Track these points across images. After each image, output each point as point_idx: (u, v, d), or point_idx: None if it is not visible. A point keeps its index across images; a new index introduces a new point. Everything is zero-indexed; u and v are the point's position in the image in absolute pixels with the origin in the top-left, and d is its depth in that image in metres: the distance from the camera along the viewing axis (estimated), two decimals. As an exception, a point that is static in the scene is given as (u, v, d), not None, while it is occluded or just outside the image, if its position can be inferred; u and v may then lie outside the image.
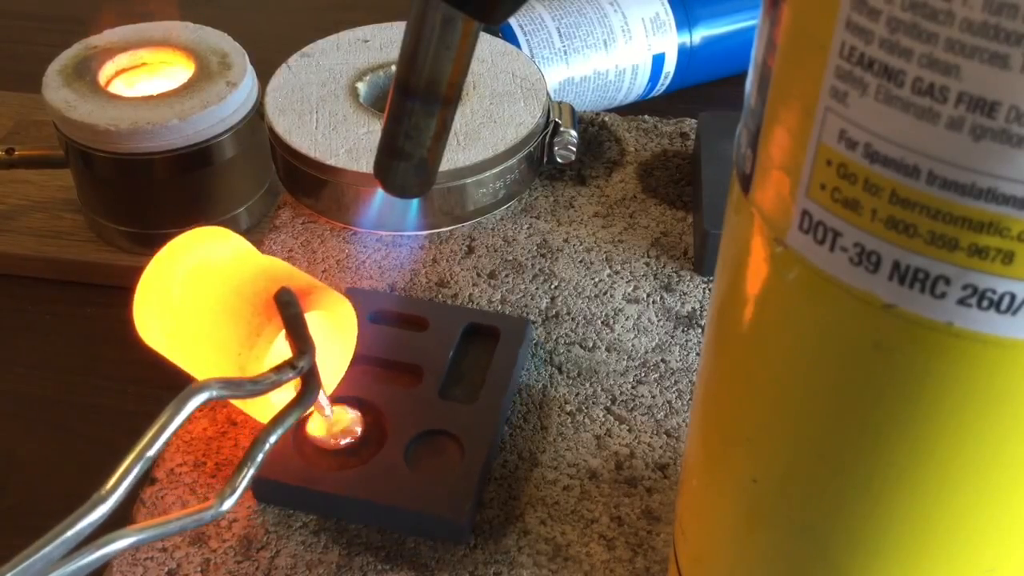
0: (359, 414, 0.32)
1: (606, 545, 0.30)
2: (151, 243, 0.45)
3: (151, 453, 0.25)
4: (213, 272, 0.31)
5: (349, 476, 0.30)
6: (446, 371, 0.33)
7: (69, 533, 0.23)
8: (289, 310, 0.29)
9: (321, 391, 0.29)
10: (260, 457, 0.27)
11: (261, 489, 0.31)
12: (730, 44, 0.55)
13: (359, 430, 0.31)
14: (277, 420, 0.28)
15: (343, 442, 0.31)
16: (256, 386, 0.27)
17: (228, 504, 0.26)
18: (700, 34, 0.54)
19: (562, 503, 0.31)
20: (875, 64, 0.14)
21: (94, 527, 0.24)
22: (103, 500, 0.24)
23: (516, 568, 0.29)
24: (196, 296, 0.31)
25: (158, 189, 0.44)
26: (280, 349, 0.29)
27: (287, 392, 0.29)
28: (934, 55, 0.13)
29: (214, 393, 0.26)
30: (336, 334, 0.32)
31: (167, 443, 0.25)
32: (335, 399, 0.32)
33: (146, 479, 0.32)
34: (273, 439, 0.27)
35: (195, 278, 0.31)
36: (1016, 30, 0.12)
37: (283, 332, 0.29)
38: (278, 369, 0.28)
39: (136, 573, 0.29)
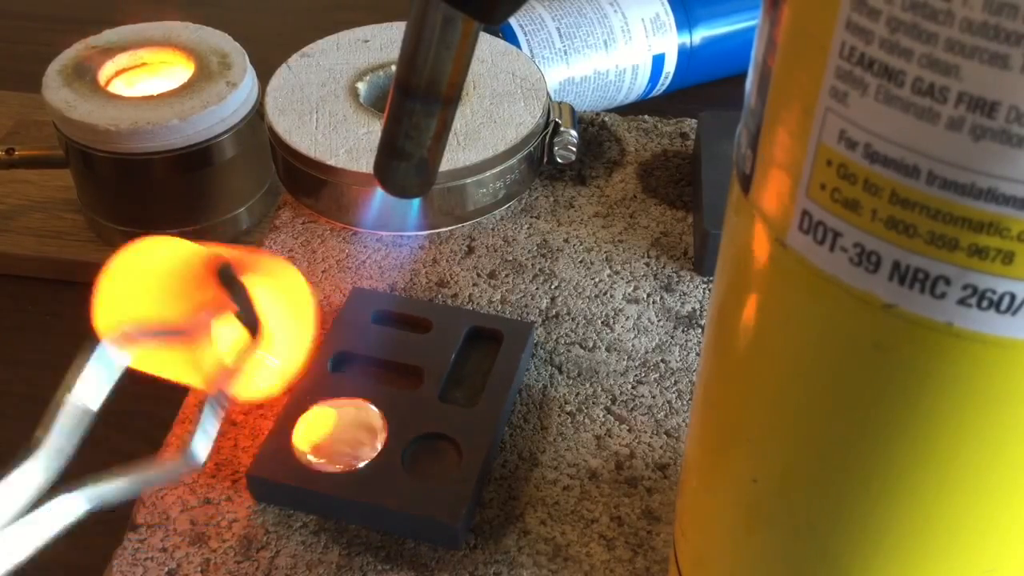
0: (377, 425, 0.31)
1: (606, 545, 0.30)
2: (151, 243, 0.45)
3: (74, 399, 0.24)
4: (156, 274, 0.31)
5: (346, 477, 0.30)
6: (447, 374, 0.33)
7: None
8: (225, 275, 0.29)
9: (267, 355, 0.29)
10: (219, 414, 0.27)
11: (260, 489, 0.31)
12: (730, 44, 0.55)
13: (379, 446, 0.31)
14: (226, 373, 0.27)
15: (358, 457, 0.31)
16: (180, 331, 0.27)
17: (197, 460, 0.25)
18: (700, 34, 0.54)
19: (562, 503, 0.31)
20: (875, 64, 0.14)
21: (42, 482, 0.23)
22: (35, 447, 0.23)
23: (516, 568, 0.29)
24: (144, 299, 0.31)
25: (158, 189, 0.44)
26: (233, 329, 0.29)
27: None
28: (934, 55, 0.13)
29: (135, 333, 0.26)
30: (289, 303, 0.32)
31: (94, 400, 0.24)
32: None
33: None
34: (227, 393, 0.27)
35: (141, 289, 0.31)
36: (1016, 30, 0.12)
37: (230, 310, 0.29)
38: (207, 311, 0.28)
39: (136, 573, 0.29)
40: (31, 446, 0.23)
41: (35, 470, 0.23)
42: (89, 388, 0.24)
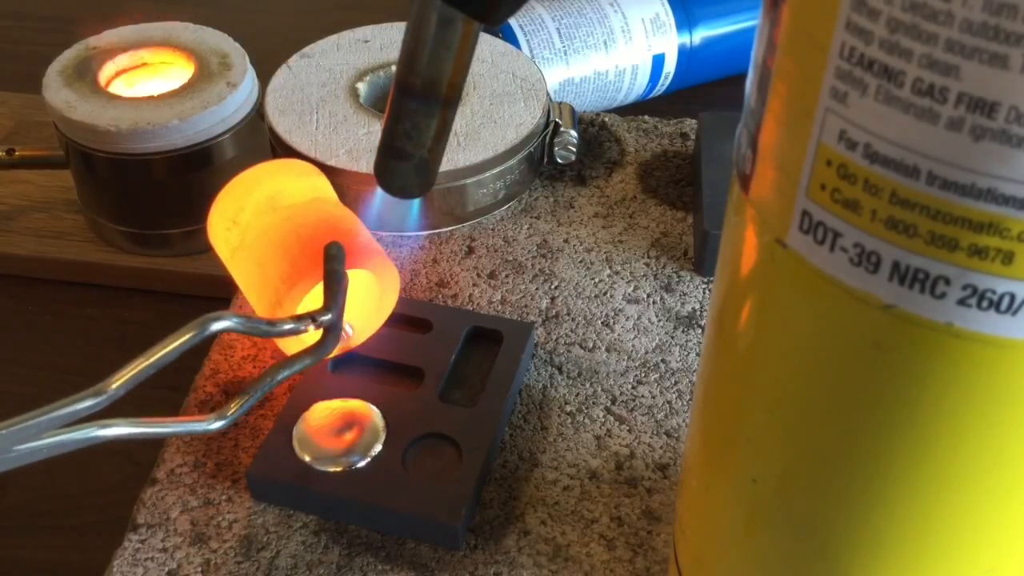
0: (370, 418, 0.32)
1: (606, 545, 0.30)
2: (151, 243, 0.45)
3: (162, 360, 0.26)
4: (285, 204, 0.33)
5: (346, 477, 0.30)
6: (447, 374, 0.33)
7: (63, 411, 0.24)
8: (332, 264, 0.30)
9: (347, 328, 0.31)
10: (262, 392, 0.28)
11: (260, 489, 0.31)
12: (730, 44, 0.55)
13: (380, 444, 0.31)
14: (289, 361, 0.29)
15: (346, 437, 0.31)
16: (272, 328, 0.29)
17: (219, 424, 0.28)
18: (700, 34, 0.54)
19: (562, 503, 0.31)
20: (875, 65, 0.14)
21: (88, 412, 0.25)
22: (103, 392, 0.25)
23: (516, 568, 0.29)
24: (263, 221, 0.32)
25: (158, 189, 0.44)
26: (317, 295, 0.31)
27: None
28: (934, 56, 0.13)
29: (230, 324, 0.27)
30: (376, 292, 0.33)
31: (176, 356, 0.26)
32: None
33: (147, 480, 0.32)
34: (280, 377, 0.29)
35: (269, 203, 0.33)
36: (1016, 30, 0.12)
37: (321, 283, 0.30)
38: (298, 318, 0.29)
39: (136, 573, 0.29)
40: (103, 388, 0.24)
41: (92, 404, 0.25)
42: (174, 352, 0.26)
